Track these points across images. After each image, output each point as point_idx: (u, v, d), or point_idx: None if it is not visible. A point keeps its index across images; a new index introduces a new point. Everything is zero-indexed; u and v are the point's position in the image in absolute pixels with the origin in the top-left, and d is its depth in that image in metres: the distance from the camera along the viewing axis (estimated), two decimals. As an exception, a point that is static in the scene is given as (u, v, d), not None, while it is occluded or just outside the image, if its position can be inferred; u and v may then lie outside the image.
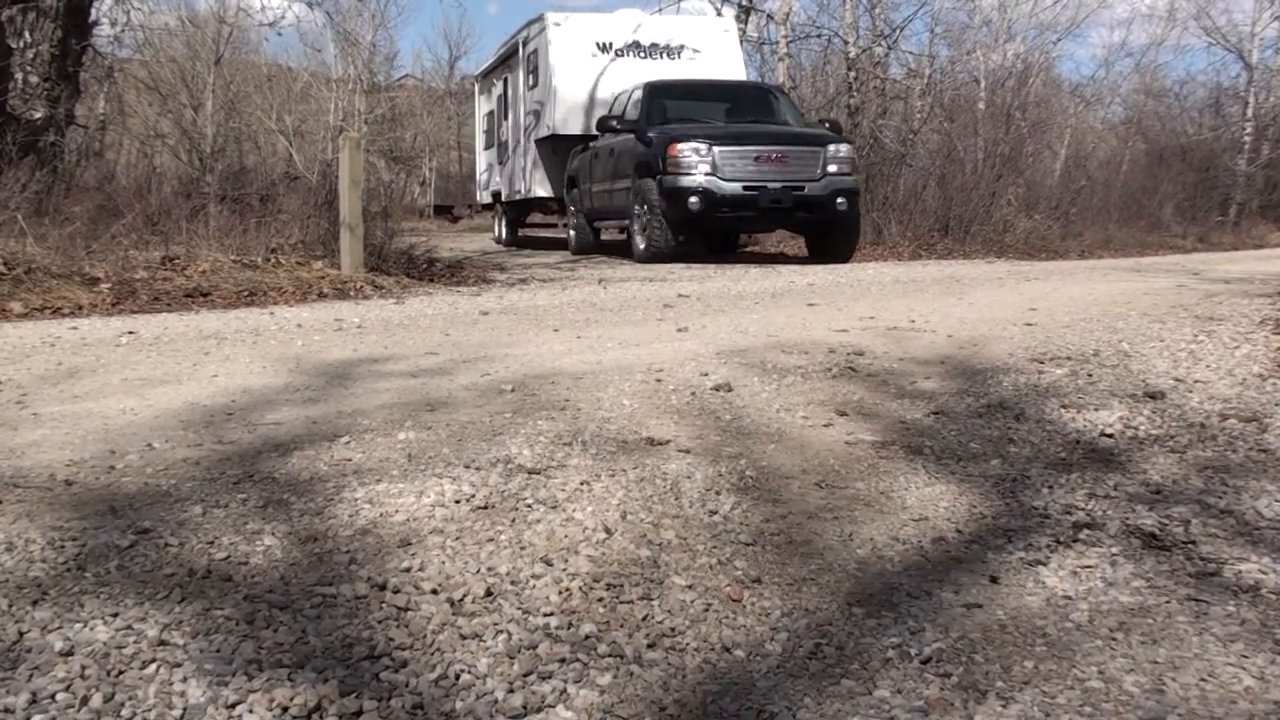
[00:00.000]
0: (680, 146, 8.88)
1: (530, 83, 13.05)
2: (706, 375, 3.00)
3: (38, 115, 8.38)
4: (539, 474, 2.16)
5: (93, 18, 9.70)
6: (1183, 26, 34.80)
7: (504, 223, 15.28)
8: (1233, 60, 25.94)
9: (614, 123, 10.07)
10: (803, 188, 8.90)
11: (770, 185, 8.85)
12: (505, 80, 14.78)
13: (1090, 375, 3.10)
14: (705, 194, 8.77)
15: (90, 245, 6.08)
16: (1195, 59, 53.76)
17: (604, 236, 11.71)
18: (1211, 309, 4.38)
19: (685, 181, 8.80)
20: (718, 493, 2.17)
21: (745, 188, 8.84)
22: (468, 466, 2.18)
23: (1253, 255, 13.49)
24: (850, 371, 3.12)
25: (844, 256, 9.64)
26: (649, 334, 3.97)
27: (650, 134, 9.43)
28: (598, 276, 7.74)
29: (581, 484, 2.13)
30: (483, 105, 17.20)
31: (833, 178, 8.96)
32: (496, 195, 15.60)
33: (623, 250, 10.82)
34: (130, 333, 4.16)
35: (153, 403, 2.78)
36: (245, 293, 5.78)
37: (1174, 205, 18.98)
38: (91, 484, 2.05)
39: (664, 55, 12.20)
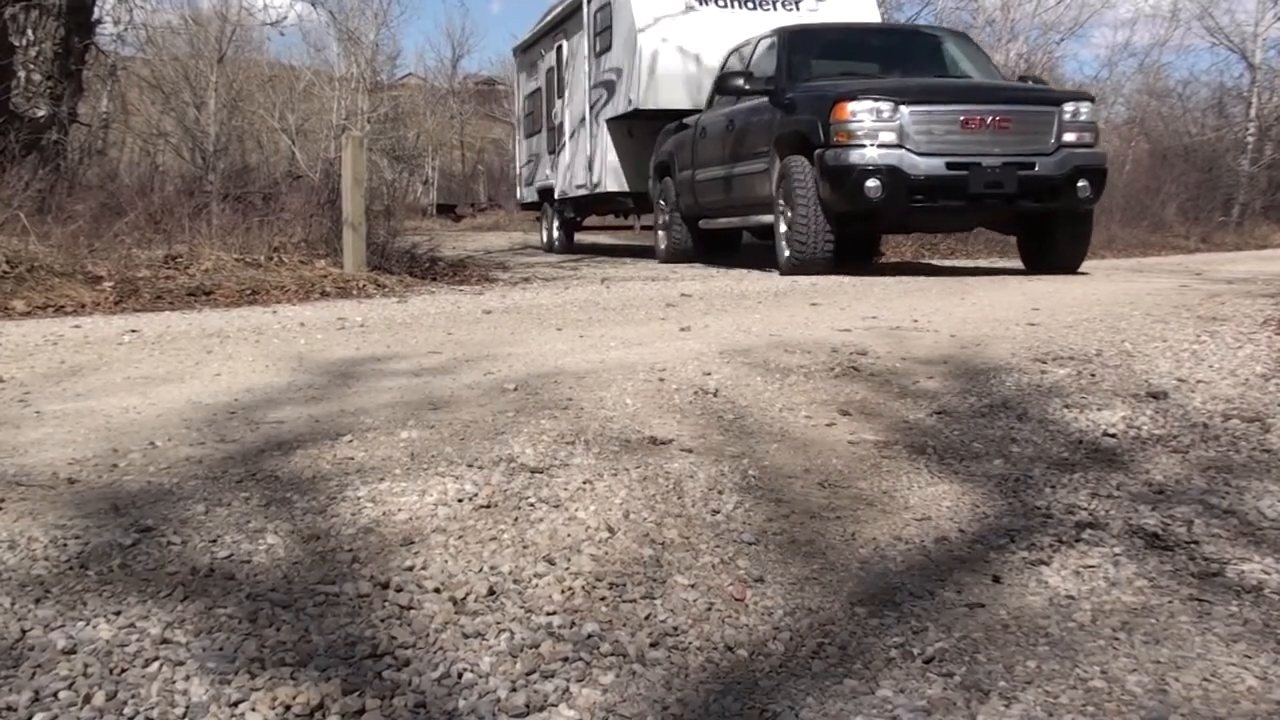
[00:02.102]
0: (853, 107, 6.32)
1: (599, 46, 10.66)
2: (709, 374, 3.00)
3: (40, 113, 8.39)
4: (542, 473, 2.16)
5: (96, 16, 9.72)
6: (1186, 27, 34.87)
7: (555, 225, 12.60)
8: (1236, 60, 25.91)
9: (740, 82, 7.37)
10: (1032, 164, 6.28)
11: (986, 161, 6.23)
12: (559, 49, 12.09)
13: (1093, 375, 3.10)
14: (892, 174, 6.19)
15: (93, 244, 6.10)
16: (1198, 59, 54.05)
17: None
18: (1214, 309, 4.37)
19: (860, 156, 6.25)
20: (720, 492, 2.16)
21: (949, 165, 6.24)
22: (470, 465, 2.18)
23: (1255, 256, 13.47)
24: (853, 371, 3.11)
25: (1073, 264, 6.96)
26: (652, 333, 3.96)
27: (792, 95, 6.95)
28: (600, 276, 7.74)
29: (584, 483, 2.13)
30: (524, 84, 14.25)
31: (1071, 150, 6.39)
32: (546, 192, 12.71)
33: (722, 259, 8.88)
34: (133, 331, 4.17)
35: (155, 401, 2.78)
36: (248, 291, 5.79)
37: (1177, 205, 18.97)
38: (94, 482, 2.05)
39: (778, 5, 9.88)
